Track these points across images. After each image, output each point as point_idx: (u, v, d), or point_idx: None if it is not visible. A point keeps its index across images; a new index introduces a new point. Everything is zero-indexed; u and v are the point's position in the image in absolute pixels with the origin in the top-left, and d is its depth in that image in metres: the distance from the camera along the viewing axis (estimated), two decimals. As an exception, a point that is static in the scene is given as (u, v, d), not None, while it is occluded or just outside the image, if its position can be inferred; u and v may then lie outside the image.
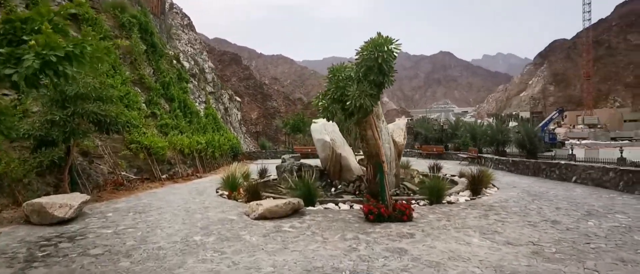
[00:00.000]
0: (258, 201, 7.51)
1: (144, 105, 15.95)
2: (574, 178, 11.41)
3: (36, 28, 3.68)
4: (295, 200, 7.36)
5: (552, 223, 6.26)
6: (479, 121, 48.93)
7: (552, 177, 12.45)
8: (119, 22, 17.86)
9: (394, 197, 7.91)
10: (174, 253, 4.98)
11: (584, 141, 54.16)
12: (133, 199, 9.58)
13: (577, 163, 12.88)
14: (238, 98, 48.65)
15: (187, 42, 43.31)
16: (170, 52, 25.76)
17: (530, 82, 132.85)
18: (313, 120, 11.65)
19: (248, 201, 8.73)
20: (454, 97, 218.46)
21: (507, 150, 25.35)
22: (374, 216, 6.54)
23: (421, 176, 11.68)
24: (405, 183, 10.46)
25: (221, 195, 10.02)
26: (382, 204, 6.80)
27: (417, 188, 10.43)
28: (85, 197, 7.79)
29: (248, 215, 7.26)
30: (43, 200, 6.97)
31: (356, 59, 6.51)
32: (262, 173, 13.52)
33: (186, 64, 32.57)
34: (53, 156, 8.98)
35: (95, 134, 10.95)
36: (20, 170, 8.41)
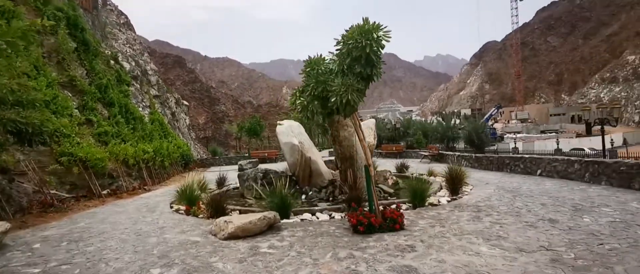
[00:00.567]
0: (226, 218, 6.43)
1: (76, 111, 13.89)
2: (539, 171, 11.59)
3: None
4: (270, 214, 6.39)
5: (550, 222, 5.93)
6: (427, 119, 50.77)
7: (516, 171, 12.61)
8: (41, 14, 15.46)
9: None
10: (127, 299, 3.82)
11: (518, 135, 58.27)
12: (66, 223, 7.97)
13: (541, 156, 13.21)
14: (186, 102, 45.78)
15: (125, 42, 39.74)
16: (106, 51, 23.20)
17: (468, 81, 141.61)
18: (278, 122, 10.70)
19: (211, 217, 7.59)
20: (400, 97, 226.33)
21: (456, 146, 26.11)
22: (364, 228, 5.78)
23: (394, 178, 11.20)
24: (380, 185, 9.87)
25: (177, 211, 8.72)
26: (371, 213, 6.08)
27: (392, 190, 9.92)
28: (4, 225, 6.19)
29: (215, 235, 6.16)
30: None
31: (338, 49, 5.69)
32: (221, 182, 12.37)
33: (126, 65, 29.65)
34: (-44, 177, 7.18)
35: (16, 147, 9.15)
36: None
